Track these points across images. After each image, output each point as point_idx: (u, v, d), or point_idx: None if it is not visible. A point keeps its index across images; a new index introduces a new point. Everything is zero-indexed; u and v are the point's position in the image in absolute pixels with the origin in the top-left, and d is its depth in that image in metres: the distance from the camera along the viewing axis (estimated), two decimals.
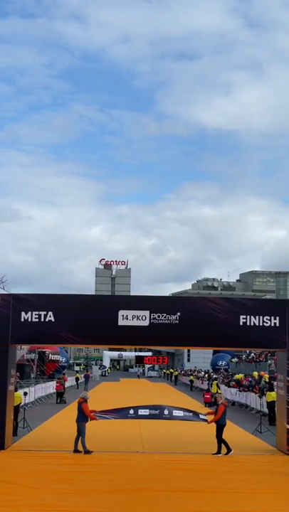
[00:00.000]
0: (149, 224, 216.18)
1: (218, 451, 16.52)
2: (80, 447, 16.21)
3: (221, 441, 16.59)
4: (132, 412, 17.58)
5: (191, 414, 17.58)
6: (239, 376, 40.01)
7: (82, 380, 54.28)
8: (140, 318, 16.98)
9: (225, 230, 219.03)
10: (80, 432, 16.29)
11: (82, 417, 16.40)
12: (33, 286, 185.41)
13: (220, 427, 16.67)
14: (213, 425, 16.76)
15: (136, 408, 17.73)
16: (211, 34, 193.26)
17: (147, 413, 17.59)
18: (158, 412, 17.58)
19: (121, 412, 17.70)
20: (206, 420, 17.34)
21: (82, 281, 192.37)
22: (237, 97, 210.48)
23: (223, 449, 16.56)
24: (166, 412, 17.49)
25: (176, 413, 17.52)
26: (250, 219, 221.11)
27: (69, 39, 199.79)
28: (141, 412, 17.54)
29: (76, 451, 16.19)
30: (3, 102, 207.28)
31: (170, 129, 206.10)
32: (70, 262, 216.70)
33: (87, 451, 16.04)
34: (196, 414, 17.75)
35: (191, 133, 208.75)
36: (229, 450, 16.50)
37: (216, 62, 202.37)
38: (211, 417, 17.13)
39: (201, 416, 17.61)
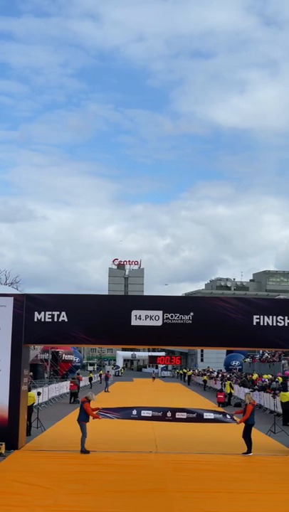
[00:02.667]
0: (164, 223, 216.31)
1: (249, 451, 16.53)
2: (86, 447, 16.24)
3: (248, 440, 16.58)
4: (134, 412, 17.56)
5: (194, 415, 17.48)
6: (255, 376, 39.85)
7: (96, 380, 54.38)
8: (153, 318, 16.96)
9: (239, 229, 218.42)
10: (82, 431, 16.31)
11: (84, 416, 16.44)
12: (47, 286, 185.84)
13: (248, 427, 16.70)
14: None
15: (139, 409, 17.71)
16: (227, 32, 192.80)
17: (150, 414, 17.54)
18: (161, 414, 17.54)
19: (124, 412, 17.69)
20: (231, 420, 17.30)
21: (96, 281, 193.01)
22: (252, 95, 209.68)
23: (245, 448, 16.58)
24: (168, 414, 17.44)
25: (178, 415, 17.45)
26: (265, 218, 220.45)
27: (84, 38, 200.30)
28: (144, 413, 17.52)
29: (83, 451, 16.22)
30: (18, 102, 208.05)
31: (185, 128, 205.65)
32: (84, 262, 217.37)
33: (84, 451, 16.07)
34: (202, 412, 17.71)
35: (206, 132, 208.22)
36: (249, 451, 16.49)
37: (232, 60, 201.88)
38: (236, 417, 17.17)
39: (206, 415, 17.50)
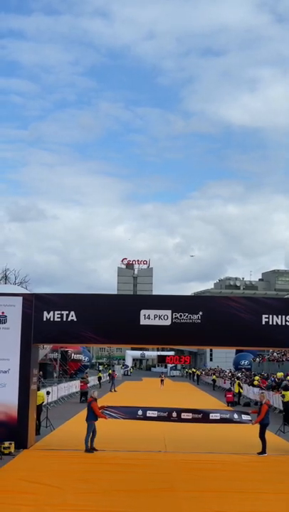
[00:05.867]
0: (174, 223, 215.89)
1: (263, 451, 16.54)
2: (95, 445, 16.31)
3: (263, 440, 16.59)
4: (140, 413, 17.56)
5: (200, 415, 17.43)
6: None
7: (105, 379, 54.39)
8: (162, 317, 16.95)
9: (249, 228, 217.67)
10: (88, 430, 16.35)
11: (92, 416, 16.47)
12: (57, 286, 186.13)
13: (263, 426, 16.68)
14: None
15: (144, 409, 17.69)
16: (238, 29, 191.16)
17: (156, 415, 17.52)
18: (166, 415, 17.51)
19: (129, 410, 17.69)
20: (240, 419, 17.26)
21: (105, 280, 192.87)
22: (263, 93, 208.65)
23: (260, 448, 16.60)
24: (174, 414, 17.41)
25: (184, 416, 17.41)
26: (275, 217, 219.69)
27: (94, 36, 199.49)
28: (149, 413, 17.50)
29: (91, 449, 16.25)
30: (28, 101, 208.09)
31: (195, 127, 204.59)
32: (93, 261, 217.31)
33: (88, 450, 16.11)
34: (208, 412, 17.68)
35: (217, 130, 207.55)
36: (264, 451, 16.48)
37: (243, 58, 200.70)
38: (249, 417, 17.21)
39: (212, 415, 17.46)
